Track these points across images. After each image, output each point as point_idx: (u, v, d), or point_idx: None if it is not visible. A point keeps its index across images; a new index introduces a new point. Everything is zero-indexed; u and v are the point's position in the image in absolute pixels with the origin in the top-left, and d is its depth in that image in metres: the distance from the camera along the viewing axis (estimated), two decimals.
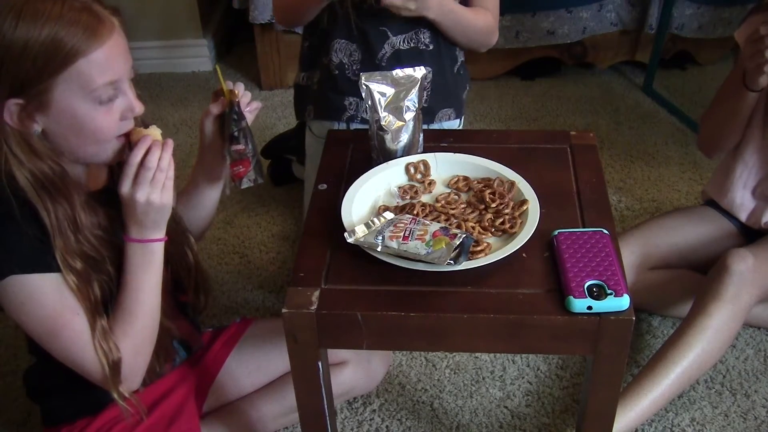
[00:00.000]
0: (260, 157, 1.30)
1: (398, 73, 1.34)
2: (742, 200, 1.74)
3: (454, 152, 1.38)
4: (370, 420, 1.66)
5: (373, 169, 1.33)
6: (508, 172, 1.31)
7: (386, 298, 1.11)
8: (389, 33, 1.59)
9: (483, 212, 1.25)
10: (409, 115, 1.33)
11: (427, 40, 1.61)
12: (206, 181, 1.38)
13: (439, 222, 1.21)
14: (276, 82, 2.93)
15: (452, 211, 1.25)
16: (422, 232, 1.14)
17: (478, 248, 1.15)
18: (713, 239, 1.76)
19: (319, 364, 1.16)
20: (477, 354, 1.80)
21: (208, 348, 1.51)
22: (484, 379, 1.76)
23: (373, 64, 1.59)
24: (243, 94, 1.29)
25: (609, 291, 1.07)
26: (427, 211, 1.26)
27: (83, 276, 1.15)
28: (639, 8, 2.78)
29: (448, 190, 1.33)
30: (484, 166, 1.34)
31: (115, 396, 1.19)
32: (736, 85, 1.61)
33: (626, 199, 2.31)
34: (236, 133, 1.25)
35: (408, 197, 1.31)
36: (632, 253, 1.72)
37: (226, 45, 3.25)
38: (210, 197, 1.41)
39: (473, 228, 1.21)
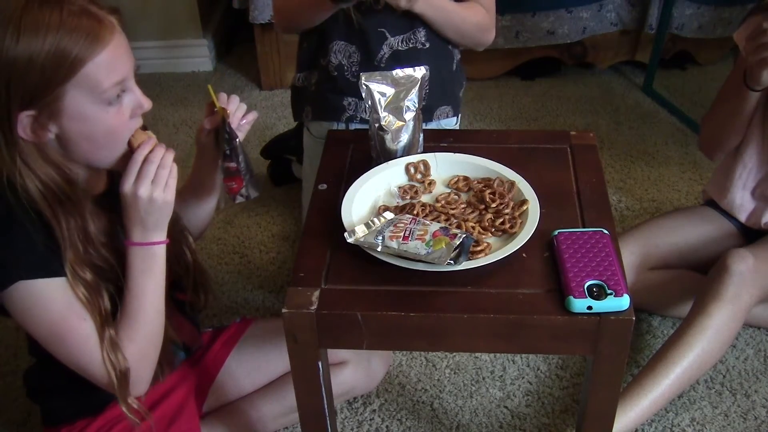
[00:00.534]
0: (254, 172, 1.31)
1: (398, 73, 1.34)
2: (742, 201, 1.74)
3: (454, 152, 1.38)
4: (370, 420, 1.66)
5: (373, 169, 1.33)
6: (508, 172, 1.31)
7: (386, 298, 1.11)
8: (387, 34, 1.59)
9: (483, 212, 1.25)
10: (409, 115, 1.33)
11: (423, 39, 1.61)
12: (201, 189, 1.39)
13: (439, 222, 1.21)
14: (276, 82, 2.93)
15: (452, 211, 1.25)
16: (422, 232, 1.14)
17: (478, 248, 1.15)
18: (713, 239, 1.76)
19: (319, 364, 1.16)
20: (477, 354, 1.80)
21: (208, 348, 1.51)
22: (484, 379, 1.76)
23: (371, 65, 1.60)
24: (237, 107, 1.29)
25: (609, 291, 1.07)
26: (427, 211, 1.26)
27: (93, 287, 1.15)
28: (639, 8, 2.78)
29: (448, 190, 1.33)
30: (484, 166, 1.34)
31: (124, 408, 1.19)
32: (737, 86, 1.61)
33: (626, 199, 2.31)
34: (228, 152, 1.26)
35: (408, 197, 1.31)
36: (632, 253, 1.72)
37: (226, 45, 3.25)
38: (206, 205, 1.41)
39: (473, 228, 1.21)
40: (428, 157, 1.36)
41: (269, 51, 2.85)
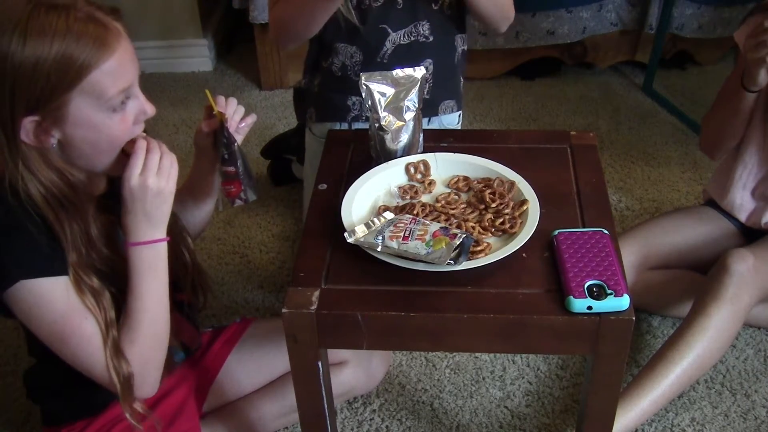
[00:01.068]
0: (252, 175, 1.32)
1: (398, 73, 1.34)
2: (743, 200, 1.74)
3: (454, 152, 1.38)
4: (370, 420, 1.66)
5: (373, 169, 1.33)
6: (508, 172, 1.31)
7: (386, 298, 1.11)
8: (389, 29, 1.58)
9: (483, 212, 1.25)
10: (409, 115, 1.33)
11: (427, 32, 1.60)
12: (199, 190, 1.39)
13: (439, 222, 1.21)
14: (276, 82, 2.93)
15: (452, 211, 1.25)
16: (422, 232, 1.14)
17: (478, 248, 1.15)
18: (713, 239, 1.76)
19: (319, 364, 1.16)
20: (477, 354, 1.80)
21: (208, 348, 1.51)
22: (484, 379, 1.76)
23: (375, 62, 1.59)
24: (235, 110, 1.29)
25: (609, 291, 1.07)
26: (427, 211, 1.26)
27: (96, 290, 1.15)
28: (639, 8, 2.78)
29: (448, 190, 1.33)
30: (484, 166, 1.34)
31: (127, 414, 1.19)
32: (736, 86, 1.61)
33: (626, 199, 2.31)
34: (226, 156, 1.26)
35: (408, 197, 1.31)
36: (632, 253, 1.72)
37: (226, 45, 3.25)
38: (203, 206, 1.41)
39: (473, 228, 1.21)
40: (428, 157, 1.36)
41: (269, 51, 2.85)
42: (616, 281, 1.09)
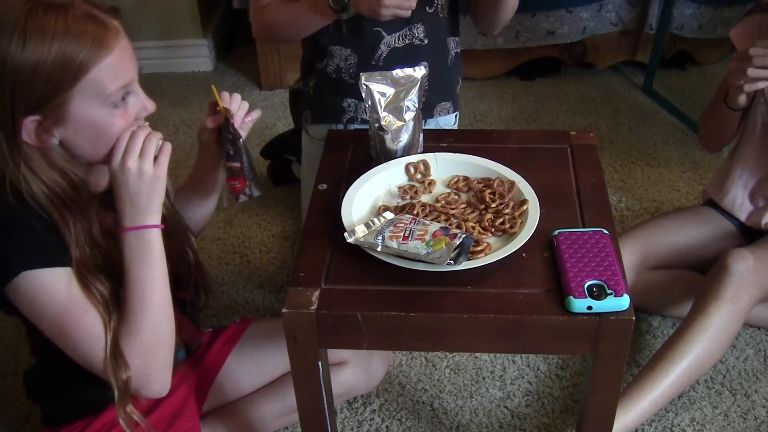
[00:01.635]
0: (255, 172, 1.31)
1: (398, 73, 1.34)
2: (743, 201, 1.74)
3: (454, 152, 1.38)
4: (370, 420, 1.66)
5: (373, 169, 1.33)
6: (508, 172, 1.31)
7: (386, 298, 1.11)
8: (384, 33, 1.58)
9: (483, 212, 1.25)
10: (409, 115, 1.33)
11: (422, 34, 1.61)
12: (202, 186, 1.39)
13: (439, 222, 1.21)
14: (276, 82, 2.93)
15: (452, 211, 1.25)
16: (422, 232, 1.14)
17: (478, 248, 1.15)
18: (713, 239, 1.76)
19: (319, 364, 1.16)
20: (477, 354, 1.80)
21: (208, 348, 1.51)
22: (484, 379, 1.76)
23: (369, 65, 1.59)
24: (240, 106, 1.29)
25: (609, 291, 1.07)
26: (427, 211, 1.26)
27: (99, 289, 1.14)
28: (639, 8, 2.78)
29: (448, 190, 1.33)
30: (484, 166, 1.34)
31: (121, 420, 1.18)
32: (721, 99, 1.62)
33: (626, 199, 2.31)
34: (231, 152, 1.26)
35: (408, 197, 1.31)
36: (632, 253, 1.72)
37: (226, 45, 3.25)
38: (206, 202, 1.41)
39: (473, 228, 1.21)
40: (428, 157, 1.36)
41: (269, 51, 2.85)
42: (616, 281, 1.09)
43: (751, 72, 1.47)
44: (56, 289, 1.11)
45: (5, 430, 1.67)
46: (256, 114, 1.31)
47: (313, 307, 1.10)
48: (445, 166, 1.36)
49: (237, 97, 1.29)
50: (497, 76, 2.96)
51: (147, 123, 1.17)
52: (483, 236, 1.20)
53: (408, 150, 1.36)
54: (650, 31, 2.79)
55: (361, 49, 1.60)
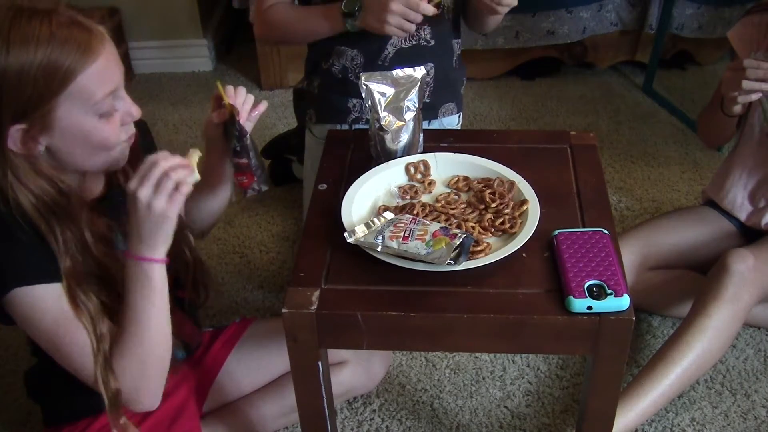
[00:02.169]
0: (264, 167, 1.29)
1: (398, 73, 1.34)
2: (743, 201, 1.74)
3: (454, 152, 1.38)
4: (370, 420, 1.66)
5: (373, 169, 1.33)
6: (508, 172, 1.31)
7: (386, 298, 1.11)
8: None
9: (483, 212, 1.25)
10: (409, 115, 1.33)
11: (428, 35, 1.61)
12: (210, 181, 1.37)
13: (439, 222, 1.21)
14: (276, 82, 2.93)
15: (452, 211, 1.25)
16: (422, 232, 1.14)
17: (478, 248, 1.15)
18: (713, 239, 1.76)
19: (319, 364, 1.16)
20: (477, 354, 1.80)
21: (208, 348, 1.51)
22: (484, 379, 1.76)
23: (376, 65, 1.59)
24: (245, 100, 1.27)
25: (609, 291, 1.07)
26: (427, 211, 1.26)
27: (90, 299, 1.14)
28: (639, 8, 2.78)
29: (448, 190, 1.33)
30: (484, 166, 1.34)
31: (114, 430, 1.18)
32: (716, 107, 1.63)
33: (626, 199, 2.31)
34: (238, 148, 1.25)
35: (408, 197, 1.31)
36: (632, 253, 1.72)
37: (226, 45, 3.25)
38: (215, 197, 1.40)
39: (473, 228, 1.21)
40: (428, 157, 1.36)
41: (269, 51, 2.85)
42: (616, 281, 1.09)
43: (746, 84, 1.47)
44: (48, 305, 1.11)
45: (5, 430, 1.67)
46: (262, 107, 1.30)
47: (313, 307, 1.10)
48: (445, 166, 1.36)
49: (242, 90, 1.27)
50: (497, 76, 2.96)
51: (133, 131, 1.16)
52: (483, 236, 1.20)
53: (408, 150, 1.36)
54: (650, 31, 2.79)
55: (368, 50, 1.60)
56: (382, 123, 1.33)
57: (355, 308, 1.10)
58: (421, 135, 1.39)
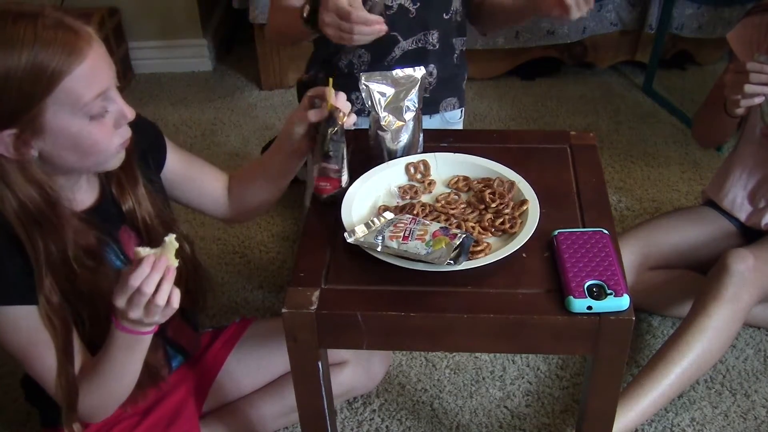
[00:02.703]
0: (348, 176, 1.28)
1: (398, 73, 1.34)
2: (743, 201, 1.74)
3: (454, 152, 1.38)
4: (370, 420, 1.66)
5: (373, 169, 1.33)
6: (508, 172, 1.31)
7: (386, 298, 1.11)
8: (399, 37, 1.60)
9: (483, 212, 1.25)
10: (409, 115, 1.33)
11: (435, 40, 1.62)
12: (268, 172, 1.38)
13: (439, 222, 1.21)
14: (276, 82, 2.93)
15: (452, 211, 1.25)
16: (422, 232, 1.14)
17: (478, 248, 1.15)
18: (713, 239, 1.76)
19: (319, 364, 1.16)
20: (477, 354, 1.80)
21: (207, 348, 1.51)
22: (484, 379, 1.76)
23: (382, 66, 1.61)
24: (341, 102, 1.24)
25: (609, 291, 1.07)
26: (427, 211, 1.26)
27: (65, 317, 1.13)
28: (639, 8, 2.78)
29: (448, 190, 1.33)
30: (484, 166, 1.34)
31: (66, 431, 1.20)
32: (719, 107, 1.62)
33: (626, 199, 2.31)
34: (331, 153, 1.23)
35: (408, 197, 1.31)
36: (632, 253, 1.72)
37: (226, 45, 3.25)
38: (269, 187, 1.40)
39: (473, 228, 1.21)
40: (428, 157, 1.36)
41: (269, 51, 2.85)
42: (616, 281, 1.09)
43: (748, 88, 1.47)
44: (20, 327, 1.12)
45: (5, 430, 1.67)
46: (351, 120, 1.26)
47: (313, 307, 1.10)
48: (445, 166, 1.36)
49: (343, 96, 1.25)
50: (497, 76, 2.96)
51: (128, 135, 1.14)
52: (483, 236, 1.20)
53: (408, 150, 1.36)
54: (650, 31, 2.79)
55: (376, 50, 1.60)
56: (382, 123, 1.33)
57: (355, 308, 1.10)
58: (421, 135, 1.39)
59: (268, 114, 2.79)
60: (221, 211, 1.43)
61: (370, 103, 1.32)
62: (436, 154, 1.37)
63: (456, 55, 1.70)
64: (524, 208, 1.23)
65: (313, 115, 1.25)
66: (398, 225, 1.17)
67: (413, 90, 1.34)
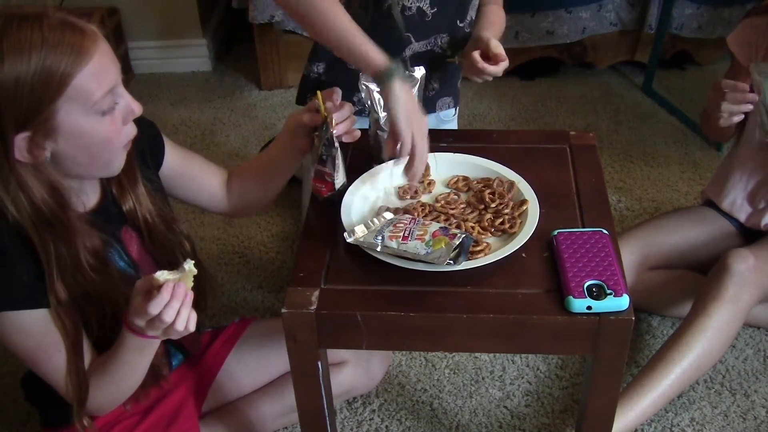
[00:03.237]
0: (345, 180, 1.30)
1: None
2: (742, 202, 1.74)
3: (454, 152, 1.38)
4: (370, 420, 1.66)
5: (373, 169, 1.33)
6: (507, 172, 1.31)
7: (386, 298, 1.11)
8: (413, 39, 1.60)
9: (483, 212, 1.25)
10: None
11: (444, 44, 1.63)
12: (266, 167, 1.39)
13: (438, 222, 1.21)
14: (276, 82, 2.93)
15: (452, 211, 1.25)
16: (422, 232, 1.14)
17: (478, 248, 1.15)
18: (713, 239, 1.76)
19: (319, 364, 1.16)
20: (477, 354, 1.80)
21: (207, 348, 1.51)
22: (483, 379, 1.76)
23: None
24: (347, 117, 1.27)
25: (609, 291, 1.07)
26: (427, 211, 1.26)
27: (75, 317, 1.14)
28: (638, 8, 2.78)
29: (448, 190, 1.33)
30: (483, 166, 1.34)
31: (78, 427, 1.20)
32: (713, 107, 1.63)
33: (626, 199, 2.31)
34: (325, 157, 1.25)
35: (408, 197, 1.31)
36: (632, 253, 1.72)
37: (226, 45, 3.25)
38: (262, 184, 1.42)
39: (473, 228, 1.21)
40: (428, 156, 1.36)
41: (269, 51, 2.85)
42: (615, 281, 1.09)
43: (725, 107, 1.48)
44: (31, 331, 1.12)
45: (5, 430, 1.67)
46: (340, 129, 1.27)
47: (312, 307, 1.10)
48: (444, 166, 1.36)
49: (348, 107, 1.28)
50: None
51: (134, 134, 1.15)
52: (483, 236, 1.20)
53: None
54: (650, 31, 2.79)
55: (388, 49, 1.60)
56: (382, 123, 1.33)
57: (355, 308, 1.10)
58: None
59: (268, 114, 2.79)
60: (220, 207, 1.45)
61: (369, 103, 1.32)
62: (436, 154, 1.37)
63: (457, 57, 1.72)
64: (524, 208, 1.23)
65: (307, 119, 1.28)
66: (398, 225, 1.17)
67: (413, 90, 1.33)
